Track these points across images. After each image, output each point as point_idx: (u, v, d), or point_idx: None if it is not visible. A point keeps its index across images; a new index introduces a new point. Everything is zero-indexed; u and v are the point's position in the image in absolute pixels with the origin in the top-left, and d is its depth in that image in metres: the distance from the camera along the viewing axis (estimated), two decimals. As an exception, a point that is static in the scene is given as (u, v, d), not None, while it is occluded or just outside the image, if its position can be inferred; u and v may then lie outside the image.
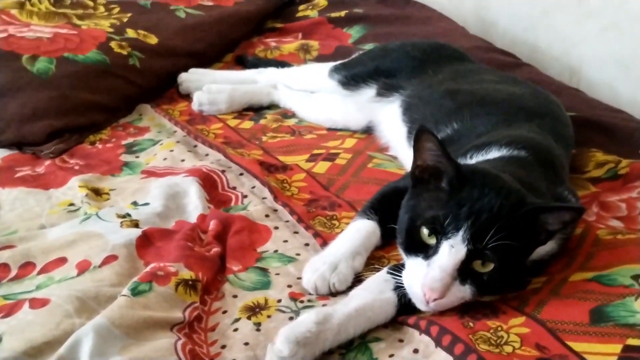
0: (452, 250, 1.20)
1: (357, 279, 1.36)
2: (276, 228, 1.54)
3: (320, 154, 1.85)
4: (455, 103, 1.66)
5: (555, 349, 1.17)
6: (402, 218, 1.29)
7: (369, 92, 1.93)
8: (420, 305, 1.24)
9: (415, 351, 1.22)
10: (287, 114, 2.10)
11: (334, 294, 1.35)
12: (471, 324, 1.23)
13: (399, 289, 1.28)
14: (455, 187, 1.23)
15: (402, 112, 1.79)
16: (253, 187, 1.69)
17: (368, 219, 1.45)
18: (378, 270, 1.35)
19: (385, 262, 1.43)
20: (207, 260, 1.42)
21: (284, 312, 1.32)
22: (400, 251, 1.30)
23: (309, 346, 1.18)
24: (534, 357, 1.16)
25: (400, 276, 1.27)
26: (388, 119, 1.85)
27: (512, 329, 1.22)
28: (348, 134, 1.96)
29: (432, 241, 1.22)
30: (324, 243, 1.47)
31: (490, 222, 1.19)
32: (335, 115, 2.00)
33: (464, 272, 1.21)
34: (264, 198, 1.65)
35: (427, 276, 1.21)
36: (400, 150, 1.79)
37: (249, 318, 1.31)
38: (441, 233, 1.21)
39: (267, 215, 1.58)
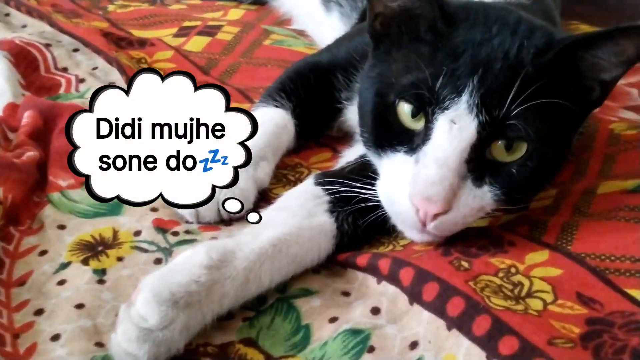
0: (453, 128, 0.77)
1: (262, 198, 0.97)
2: (130, 123, 1.10)
3: (193, 27, 1.48)
4: None
5: (611, 302, 0.73)
6: (365, 98, 0.88)
7: None
8: (411, 231, 0.83)
9: (375, 311, 0.79)
10: (141, -25, 1.71)
11: (226, 220, 0.94)
12: (465, 264, 0.78)
13: (337, 209, 0.88)
14: (443, 31, 0.81)
15: None
16: (94, 68, 1.30)
17: (276, 106, 1.07)
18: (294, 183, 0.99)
19: (304, 172, 1.06)
20: (16, 171, 1.02)
21: (145, 251, 0.90)
22: (368, 151, 0.88)
23: (194, 308, 0.75)
24: (582, 315, 0.71)
25: (335, 188, 0.86)
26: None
27: (533, 270, 0.78)
28: (232, 4, 1.62)
29: (419, 123, 0.80)
30: (207, 145, 1.05)
31: (511, 72, 0.78)
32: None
33: (478, 163, 0.79)
34: (112, 83, 1.26)
35: (418, 178, 0.78)
36: (310, 21, 1.45)
37: (85, 262, 0.88)
38: (433, 103, 0.78)
39: (115, 106, 1.14)
